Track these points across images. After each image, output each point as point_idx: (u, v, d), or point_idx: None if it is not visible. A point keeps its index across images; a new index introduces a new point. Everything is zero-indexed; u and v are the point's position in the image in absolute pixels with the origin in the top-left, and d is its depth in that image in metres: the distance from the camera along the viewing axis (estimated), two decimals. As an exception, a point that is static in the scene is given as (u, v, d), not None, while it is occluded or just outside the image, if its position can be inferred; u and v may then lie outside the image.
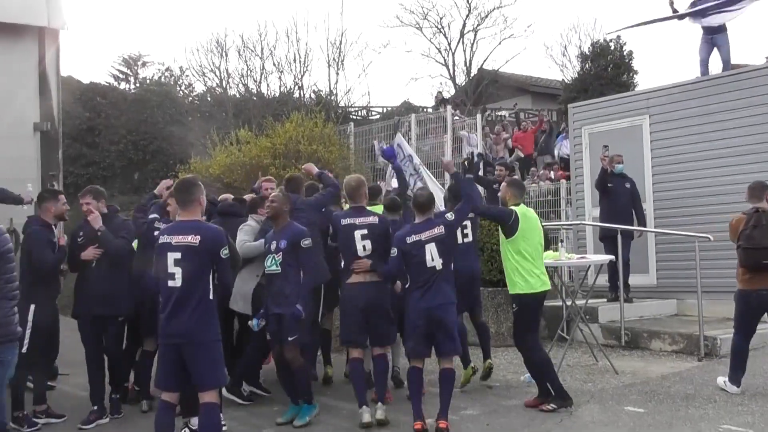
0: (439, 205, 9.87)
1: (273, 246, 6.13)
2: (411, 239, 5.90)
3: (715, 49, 10.53)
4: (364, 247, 6.25)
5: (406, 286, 6.07)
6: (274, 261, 6.09)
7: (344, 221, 6.36)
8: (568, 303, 8.33)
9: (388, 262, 6.07)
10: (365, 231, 6.27)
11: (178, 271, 4.73)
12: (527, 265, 6.32)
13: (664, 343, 8.55)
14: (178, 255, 4.75)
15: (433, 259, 5.83)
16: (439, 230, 5.91)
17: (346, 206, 6.91)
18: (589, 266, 8.71)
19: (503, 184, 7.04)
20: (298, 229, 6.15)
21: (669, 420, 5.93)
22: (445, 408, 5.76)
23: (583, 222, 10.55)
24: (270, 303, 6.10)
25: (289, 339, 6.01)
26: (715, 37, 10.50)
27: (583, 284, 9.26)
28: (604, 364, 7.86)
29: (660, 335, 8.64)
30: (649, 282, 10.08)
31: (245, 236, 6.82)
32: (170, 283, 4.76)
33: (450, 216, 6.08)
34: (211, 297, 4.81)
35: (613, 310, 9.04)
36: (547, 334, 9.27)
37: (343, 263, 6.39)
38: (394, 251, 6.00)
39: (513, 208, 6.41)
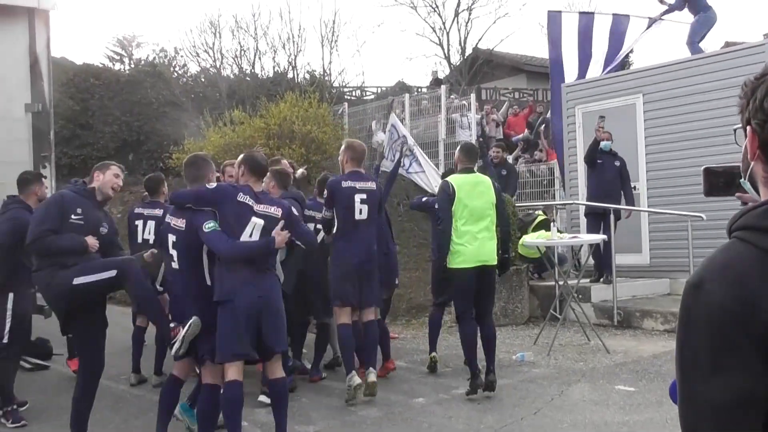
0: (432, 184, 9.92)
1: None
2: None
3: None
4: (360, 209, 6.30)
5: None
6: None
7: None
8: (561, 282, 8.36)
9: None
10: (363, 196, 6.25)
11: (174, 254, 4.74)
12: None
13: (656, 323, 8.60)
14: (174, 238, 4.75)
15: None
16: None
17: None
18: (581, 246, 8.75)
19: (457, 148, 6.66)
20: None
21: (659, 399, 5.97)
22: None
23: (574, 201, 10.54)
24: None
25: None
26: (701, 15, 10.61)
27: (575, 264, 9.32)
28: (595, 343, 7.91)
29: (652, 314, 8.69)
30: (642, 261, 10.11)
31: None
32: (173, 265, 4.79)
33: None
34: (209, 283, 4.66)
35: (606, 290, 9.07)
36: (540, 313, 9.36)
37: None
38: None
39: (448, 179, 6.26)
